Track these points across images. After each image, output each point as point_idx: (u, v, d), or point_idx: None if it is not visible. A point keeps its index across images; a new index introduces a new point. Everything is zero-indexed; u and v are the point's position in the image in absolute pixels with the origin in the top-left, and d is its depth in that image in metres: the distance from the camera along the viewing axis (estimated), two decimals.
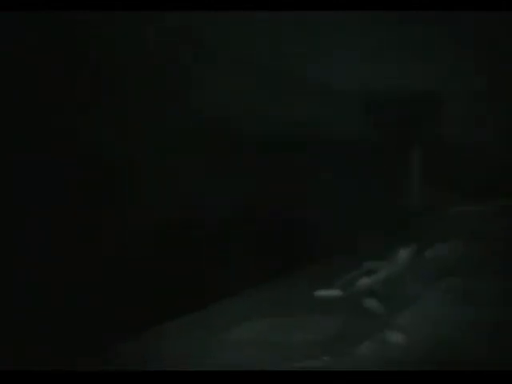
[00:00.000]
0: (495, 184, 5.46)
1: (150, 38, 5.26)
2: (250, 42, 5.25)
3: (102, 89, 5.41)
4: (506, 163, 5.52)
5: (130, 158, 5.58)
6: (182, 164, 5.65)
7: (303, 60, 5.31)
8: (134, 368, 3.47)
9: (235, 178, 5.71)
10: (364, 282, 4.32)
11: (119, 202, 5.45)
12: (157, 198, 5.56)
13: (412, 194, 5.58)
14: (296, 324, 3.91)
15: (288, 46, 5.24)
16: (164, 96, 5.52)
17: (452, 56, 5.18)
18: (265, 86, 5.42)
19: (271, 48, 5.27)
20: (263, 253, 5.19)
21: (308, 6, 4.82)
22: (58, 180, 5.27)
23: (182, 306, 4.37)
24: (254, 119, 5.60)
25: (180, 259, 5.38)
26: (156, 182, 5.60)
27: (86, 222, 5.30)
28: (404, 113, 5.57)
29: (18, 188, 5.13)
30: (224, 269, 5.07)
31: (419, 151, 5.61)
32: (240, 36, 5.21)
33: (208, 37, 5.24)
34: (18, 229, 5.05)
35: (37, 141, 5.23)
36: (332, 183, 5.66)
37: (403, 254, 4.52)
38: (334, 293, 4.29)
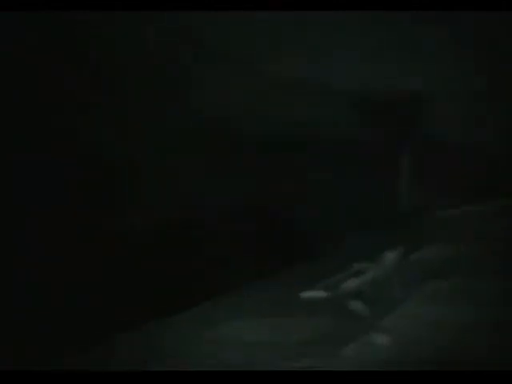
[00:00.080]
0: (495, 184, 5.46)
1: (150, 38, 5.27)
2: (249, 42, 5.25)
3: (102, 89, 5.41)
4: (506, 163, 5.52)
5: (130, 157, 5.59)
6: (181, 164, 5.65)
7: (303, 60, 5.31)
8: (135, 367, 3.48)
9: (235, 178, 5.71)
10: (350, 283, 4.34)
11: (119, 201, 5.45)
12: (157, 198, 5.56)
13: (403, 196, 5.59)
14: (282, 324, 3.92)
15: (288, 45, 5.23)
16: (164, 96, 5.52)
17: (452, 56, 5.18)
18: (265, 85, 5.42)
19: (271, 48, 5.27)
20: (254, 252, 5.20)
21: (308, 5, 4.81)
22: (57, 180, 5.27)
23: (181, 305, 4.38)
24: (253, 119, 5.60)
25: (180, 259, 5.38)
26: (156, 182, 5.60)
27: (86, 222, 5.31)
28: (404, 113, 5.57)
29: (17, 188, 5.13)
30: (221, 268, 5.07)
31: (419, 151, 5.61)
32: (240, 36, 5.21)
33: (208, 37, 5.24)
34: (18, 229, 5.05)
35: (37, 141, 5.23)
36: (321, 183, 5.66)
37: (390, 256, 4.54)
38: (320, 294, 4.30)
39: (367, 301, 4.13)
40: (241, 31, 5.17)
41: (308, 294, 4.33)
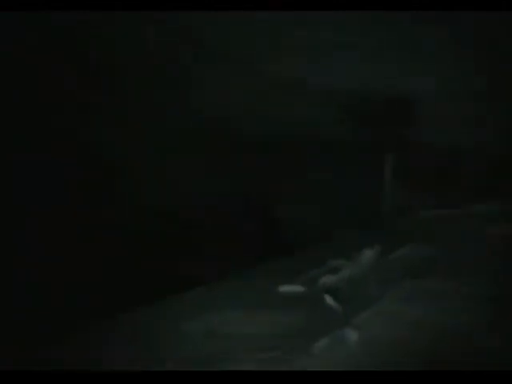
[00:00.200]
0: (495, 184, 5.46)
1: (149, 38, 5.27)
2: (249, 42, 5.25)
3: (102, 89, 5.41)
4: (506, 163, 5.53)
5: (130, 157, 5.59)
6: (181, 164, 5.66)
7: (303, 60, 5.31)
8: (134, 367, 3.48)
9: (235, 178, 5.71)
10: (327, 279, 4.38)
11: (119, 202, 5.46)
12: (157, 198, 5.57)
13: (386, 196, 5.60)
14: (256, 317, 3.96)
15: (288, 46, 5.24)
16: (164, 96, 5.52)
17: (452, 56, 5.18)
18: (265, 85, 5.42)
19: (271, 48, 5.27)
20: (254, 252, 5.21)
21: (308, 5, 4.81)
22: (57, 180, 5.27)
23: (181, 304, 4.38)
24: (253, 119, 5.60)
25: (179, 259, 5.38)
26: (156, 182, 5.60)
27: (86, 222, 5.31)
28: (404, 112, 5.58)
29: (17, 188, 5.13)
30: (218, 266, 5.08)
31: (419, 151, 5.61)
32: (240, 36, 5.21)
33: (208, 37, 5.24)
34: (18, 229, 5.05)
35: (37, 141, 5.24)
36: (321, 183, 5.67)
37: (367, 254, 4.56)
38: (296, 288, 4.35)
39: (343, 297, 4.16)
40: (241, 31, 5.17)
41: (285, 288, 4.38)
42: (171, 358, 3.63)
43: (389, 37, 5.12)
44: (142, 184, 5.58)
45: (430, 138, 5.60)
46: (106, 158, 5.54)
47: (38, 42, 5.13)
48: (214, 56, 5.32)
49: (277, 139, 5.62)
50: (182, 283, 4.57)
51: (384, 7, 4.79)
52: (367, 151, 5.55)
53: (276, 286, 4.40)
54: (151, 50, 5.32)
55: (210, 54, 5.32)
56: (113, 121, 5.51)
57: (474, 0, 4.73)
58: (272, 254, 5.04)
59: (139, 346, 3.84)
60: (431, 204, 5.43)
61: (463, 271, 4.25)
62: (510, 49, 5.09)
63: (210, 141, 5.64)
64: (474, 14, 4.80)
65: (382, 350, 3.53)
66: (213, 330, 3.92)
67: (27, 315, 4.42)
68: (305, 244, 5.16)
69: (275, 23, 5.05)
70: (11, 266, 4.81)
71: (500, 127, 5.50)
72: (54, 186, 5.25)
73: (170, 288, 4.48)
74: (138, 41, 5.28)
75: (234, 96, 5.51)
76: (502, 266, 4.32)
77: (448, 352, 3.49)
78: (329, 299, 4.17)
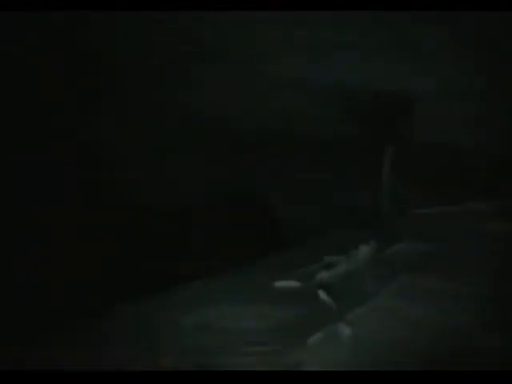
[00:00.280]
0: (495, 184, 5.46)
1: (150, 38, 5.27)
2: (249, 42, 5.25)
3: (102, 89, 5.41)
4: (506, 163, 5.52)
5: (130, 158, 5.59)
6: (181, 164, 5.66)
7: (303, 60, 5.31)
8: (133, 364, 3.49)
9: (235, 178, 5.72)
10: (323, 275, 4.40)
11: (119, 201, 5.46)
12: (157, 198, 5.57)
13: (386, 196, 5.60)
14: (252, 312, 3.98)
15: (288, 46, 5.23)
16: (164, 96, 5.52)
17: (452, 56, 5.18)
18: (265, 85, 5.42)
19: (271, 48, 5.27)
20: (254, 252, 5.22)
21: (308, 5, 4.81)
22: (57, 180, 5.28)
23: (178, 298, 4.39)
24: (254, 119, 5.60)
25: (179, 259, 5.38)
26: (156, 182, 5.61)
27: (86, 222, 5.31)
28: (403, 112, 5.58)
29: (17, 188, 5.14)
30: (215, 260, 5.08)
31: (419, 150, 5.61)
32: (240, 36, 5.21)
33: (208, 37, 5.24)
34: (18, 229, 5.05)
35: (37, 141, 5.24)
36: (321, 183, 5.68)
37: (363, 249, 4.58)
38: (292, 284, 4.37)
39: (338, 293, 4.18)
40: (241, 31, 5.16)
41: (281, 284, 4.40)
42: (167, 356, 3.64)
43: (389, 37, 5.12)
44: (142, 184, 5.58)
45: (430, 137, 5.59)
46: (105, 158, 5.54)
47: (37, 42, 5.13)
48: (214, 56, 5.32)
49: (277, 139, 5.62)
50: (182, 282, 4.58)
51: (384, 7, 4.79)
52: (367, 151, 5.54)
53: (272, 281, 4.41)
54: (151, 50, 5.33)
55: (210, 54, 5.32)
56: (113, 121, 5.51)
57: (473, 0, 4.73)
58: (271, 251, 5.05)
59: (138, 339, 3.85)
60: (431, 204, 5.43)
61: (463, 271, 4.25)
62: (510, 49, 5.09)
63: (210, 141, 5.64)
64: (473, 14, 4.80)
65: (381, 349, 3.54)
66: (209, 324, 3.95)
67: (27, 315, 4.42)
68: (304, 243, 5.17)
69: (275, 23, 5.05)
70: (11, 266, 4.81)
71: (500, 127, 5.49)
72: (54, 185, 5.25)
73: (169, 287, 4.49)
74: (137, 41, 5.28)
75: (233, 96, 5.51)
76: (502, 266, 4.32)
77: (448, 352, 3.49)
78: (322, 294, 4.19)
